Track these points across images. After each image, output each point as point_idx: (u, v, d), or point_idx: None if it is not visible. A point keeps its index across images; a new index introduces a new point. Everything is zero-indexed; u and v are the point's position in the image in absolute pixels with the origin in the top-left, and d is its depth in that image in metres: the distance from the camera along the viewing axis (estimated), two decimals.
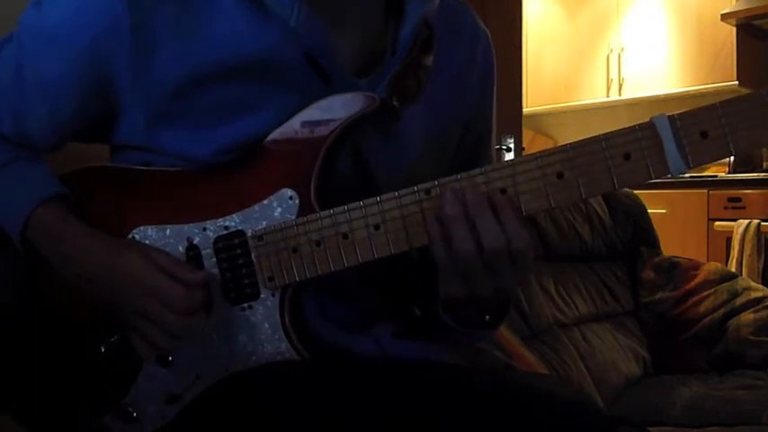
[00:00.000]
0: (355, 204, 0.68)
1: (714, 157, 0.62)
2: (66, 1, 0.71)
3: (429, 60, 0.77)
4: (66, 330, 0.76)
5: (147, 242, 0.73)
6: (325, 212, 0.69)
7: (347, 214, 0.68)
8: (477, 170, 0.66)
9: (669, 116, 0.62)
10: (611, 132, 0.64)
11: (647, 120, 0.63)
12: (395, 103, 0.72)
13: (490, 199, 0.64)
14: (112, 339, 0.73)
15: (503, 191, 0.65)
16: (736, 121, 0.61)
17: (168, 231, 0.73)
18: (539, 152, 0.65)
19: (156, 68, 0.70)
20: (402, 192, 0.67)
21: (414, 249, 0.68)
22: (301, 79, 0.72)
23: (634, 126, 0.63)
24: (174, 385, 0.73)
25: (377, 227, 0.68)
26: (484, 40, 0.87)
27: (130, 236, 0.73)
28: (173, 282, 0.68)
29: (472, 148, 0.87)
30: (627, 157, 0.63)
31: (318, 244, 0.69)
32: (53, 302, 0.77)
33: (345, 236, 0.68)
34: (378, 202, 0.68)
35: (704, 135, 0.62)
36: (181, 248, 0.72)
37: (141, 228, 0.73)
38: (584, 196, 0.64)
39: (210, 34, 0.70)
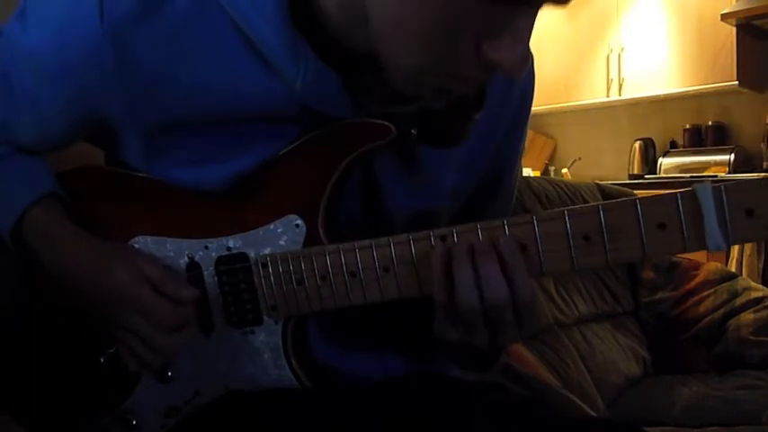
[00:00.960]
0: (365, 243, 0.64)
1: (757, 238, 0.57)
2: (49, 27, 0.65)
3: (477, 115, 0.69)
4: (66, 331, 0.76)
5: None
6: (333, 247, 0.65)
7: (356, 253, 0.64)
8: (497, 221, 0.61)
9: (713, 187, 0.56)
10: (649, 198, 0.58)
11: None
12: (413, 132, 0.67)
13: (497, 247, 0.59)
14: (111, 350, 0.72)
15: (523, 247, 0.60)
16: None
17: (168, 245, 0.71)
18: (566, 209, 0.60)
19: (148, 110, 0.65)
20: (415, 235, 0.63)
21: (424, 295, 0.63)
22: (312, 118, 0.66)
23: (674, 193, 0.57)
24: (173, 398, 0.72)
25: (386, 269, 0.64)
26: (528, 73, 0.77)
27: (129, 245, 0.72)
28: (159, 298, 0.66)
29: (493, 183, 0.80)
30: (662, 226, 0.57)
31: (324, 279, 0.66)
32: (54, 303, 0.76)
33: (353, 274, 0.65)
34: (389, 244, 0.63)
35: (750, 212, 0.55)
36: (182, 263, 0.70)
37: (141, 238, 0.71)
38: (609, 263, 0.59)
39: (209, 83, 0.64)
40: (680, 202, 0.57)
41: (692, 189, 0.56)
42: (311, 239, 0.67)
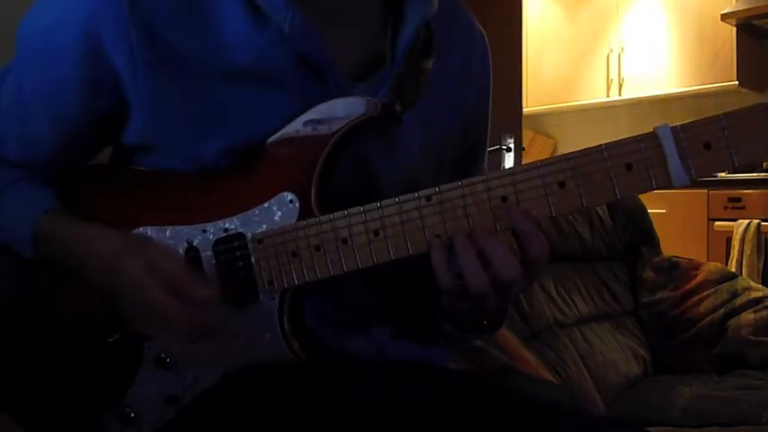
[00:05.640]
0: (355, 209, 0.68)
1: (716, 169, 0.62)
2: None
3: (429, 64, 0.76)
4: (65, 330, 0.76)
5: None
6: (325, 217, 0.69)
7: (347, 219, 0.68)
8: (478, 177, 0.66)
9: (672, 127, 0.62)
10: (614, 142, 0.64)
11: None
12: (397, 107, 0.72)
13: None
14: (111, 339, 0.73)
15: (504, 198, 0.65)
16: (738, 132, 0.61)
17: (168, 232, 0.72)
18: (540, 160, 0.65)
19: (156, 66, 0.69)
20: (402, 198, 0.67)
21: (414, 256, 0.67)
22: (298, 82, 0.72)
23: (637, 136, 0.63)
24: (173, 386, 0.72)
25: (376, 232, 0.67)
26: (481, 43, 0.87)
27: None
28: (173, 301, 0.65)
29: (470, 152, 0.88)
30: (629, 167, 0.63)
31: (318, 248, 0.69)
32: (53, 301, 0.76)
33: (345, 241, 0.68)
34: (378, 208, 0.67)
35: (707, 146, 0.61)
36: (181, 250, 0.72)
37: (141, 229, 0.73)
38: (585, 205, 0.64)
39: (210, 35, 0.70)
40: (643, 143, 0.63)
41: (653, 130, 0.62)
42: (305, 214, 0.70)
